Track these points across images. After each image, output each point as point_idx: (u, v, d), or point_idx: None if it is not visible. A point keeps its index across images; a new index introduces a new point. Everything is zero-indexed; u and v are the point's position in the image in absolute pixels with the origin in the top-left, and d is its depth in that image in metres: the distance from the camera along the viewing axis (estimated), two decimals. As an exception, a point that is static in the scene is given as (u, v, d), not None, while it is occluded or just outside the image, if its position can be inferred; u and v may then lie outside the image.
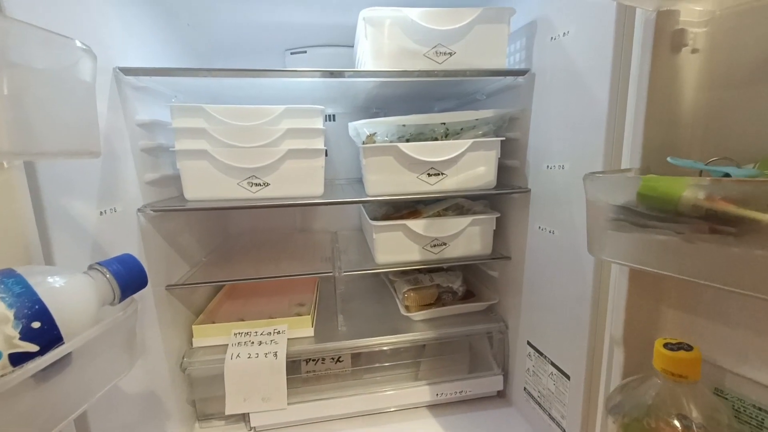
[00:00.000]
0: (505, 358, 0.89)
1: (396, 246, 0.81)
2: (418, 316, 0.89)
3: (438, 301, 0.93)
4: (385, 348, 0.85)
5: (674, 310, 0.49)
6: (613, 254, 0.42)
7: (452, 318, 0.91)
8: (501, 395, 0.91)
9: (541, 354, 0.76)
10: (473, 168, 0.77)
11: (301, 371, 0.88)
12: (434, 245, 0.82)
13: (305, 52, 1.04)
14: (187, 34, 0.95)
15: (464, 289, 0.94)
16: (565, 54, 0.63)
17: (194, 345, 0.82)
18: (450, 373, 0.92)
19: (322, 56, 1.03)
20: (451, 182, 0.77)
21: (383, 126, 0.76)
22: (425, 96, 1.01)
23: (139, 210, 0.67)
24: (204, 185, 0.73)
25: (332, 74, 0.70)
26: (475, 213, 0.85)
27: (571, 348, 0.67)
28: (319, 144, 0.76)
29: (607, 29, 0.54)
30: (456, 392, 0.88)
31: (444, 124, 0.76)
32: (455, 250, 0.83)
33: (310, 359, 0.87)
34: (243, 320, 0.87)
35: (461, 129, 0.78)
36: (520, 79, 0.76)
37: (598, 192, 0.43)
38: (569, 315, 0.67)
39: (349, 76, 0.70)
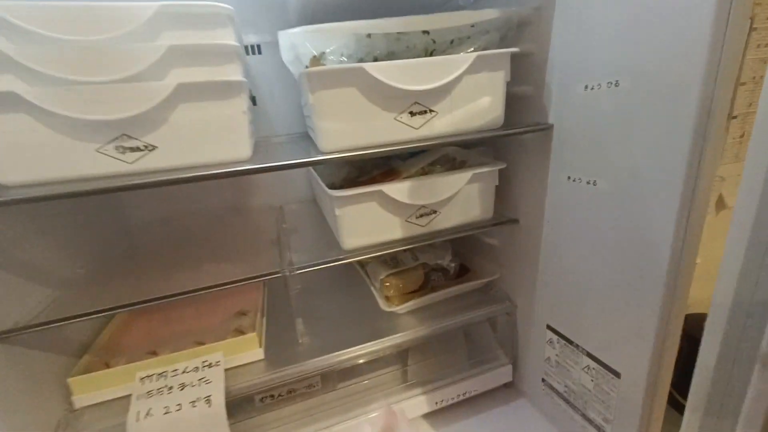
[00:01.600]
0: (514, 344, 0.72)
1: (369, 223, 0.56)
2: (403, 308, 0.68)
3: (425, 285, 0.72)
4: (363, 361, 0.63)
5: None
6: None
7: (445, 303, 0.71)
8: (508, 385, 0.75)
9: (570, 342, 0.59)
10: (474, 99, 0.52)
11: (254, 405, 0.64)
12: (421, 215, 0.58)
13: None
14: None
15: (457, 265, 0.74)
16: None
17: (76, 406, 0.54)
18: (446, 367, 0.73)
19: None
20: (443, 123, 0.52)
21: (336, 38, 0.47)
22: (391, 4, 0.72)
23: None
24: (30, 159, 0.41)
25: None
26: (471, 166, 0.62)
27: (626, 339, 0.49)
28: (235, 73, 0.46)
29: None
30: (458, 395, 0.70)
31: (428, 33, 0.50)
32: (448, 219, 0.61)
33: (263, 395, 0.63)
34: (155, 354, 0.59)
35: (451, 41, 0.52)
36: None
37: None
38: (622, 295, 0.48)
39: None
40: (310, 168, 0.70)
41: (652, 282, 0.44)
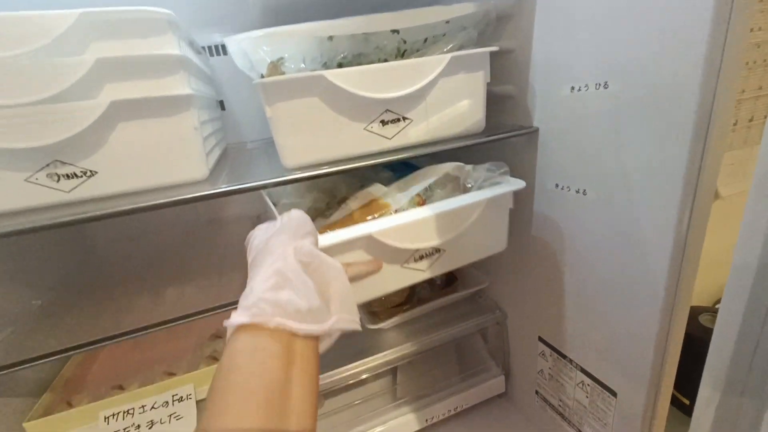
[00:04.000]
0: (506, 354, 0.69)
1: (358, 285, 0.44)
2: (389, 323, 0.64)
3: (412, 297, 0.68)
4: (352, 381, 0.60)
5: None
6: None
7: (433, 314, 0.68)
8: (501, 396, 0.72)
9: (563, 356, 0.56)
10: (451, 104, 0.48)
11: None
12: (421, 257, 0.47)
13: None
14: None
15: (443, 275, 0.70)
16: None
17: (34, 453, 0.50)
18: (436, 382, 0.70)
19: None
20: (419, 131, 0.47)
21: (294, 42, 0.42)
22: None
23: None
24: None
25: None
26: (479, 186, 0.50)
27: (622, 357, 0.46)
28: (180, 85, 0.41)
29: None
30: (449, 410, 0.67)
31: (397, 32, 0.45)
32: (456, 257, 0.49)
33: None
34: (122, 389, 0.55)
35: (425, 40, 0.47)
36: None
37: None
38: (616, 310, 0.45)
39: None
40: (263, 194, 0.56)
41: (650, 296, 0.41)
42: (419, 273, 0.48)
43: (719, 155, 0.35)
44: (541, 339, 0.60)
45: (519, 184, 0.48)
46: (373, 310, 0.66)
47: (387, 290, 0.48)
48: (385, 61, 0.45)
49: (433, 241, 0.46)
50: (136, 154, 0.41)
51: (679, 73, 0.33)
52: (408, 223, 0.44)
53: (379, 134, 0.46)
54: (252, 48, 0.41)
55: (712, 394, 0.36)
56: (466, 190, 0.51)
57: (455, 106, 0.48)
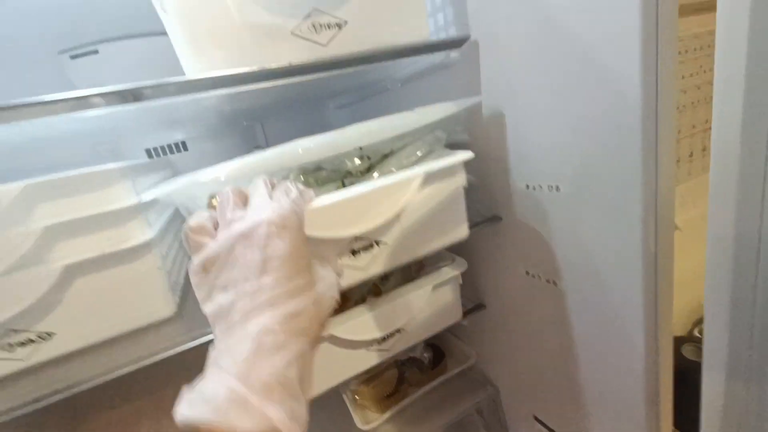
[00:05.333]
0: (504, 429, 0.67)
1: (321, 370, 0.45)
2: (383, 419, 0.61)
3: (401, 382, 0.66)
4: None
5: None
6: None
7: (424, 397, 0.66)
8: (505, 469, 0.70)
9: (560, 436, 0.55)
10: (430, 221, 0.44)
11: None
12: (383, 339, 0.50)
13: (96, 52, 0.62)
14: None
15: (431, 353, 0.69)
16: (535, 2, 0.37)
17: None
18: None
19: (128, 54, 0.63)
20: (393, 255, 0.43)
21: (235, 176, 0.40)
22: (313, 96, 0.68)
23: None
24: None
25: (118, 97, 0.34)
26: (425, 267, 0.56)
27: (615, 421, 0.45)
28: (139, 230, 0.40)
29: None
30: (455, 499, 0.64)
31: (361, 149, 0.45)
32: (415, 332, 0.53)
33: None
34: None
35: (390, 151, 0.48)
36: (453, 53, 0.48)
37: None
38: (610, 402, 0.45)
39: (152, 97, 0.35)
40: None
41: (635, 394, 0.41)
42: (384, 353, 0.49)
43: (670, 241, 0.36)
44: (536, 419, 0.59)
45: (461, 266, 0.51)
46: (363, 403, 0.63)
47: (352, 373, 0.48)
48: (346, 178, 0.45)
49: (390, 328, 0.47)
50: (95, 307, 0.39)
51: (624, 177, 0.35)
52: (364, 317, 0.45)
53: (353, 266, 0.42)
54: (181, 199, 0.36)
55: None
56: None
57: (436, 219, 0.44)
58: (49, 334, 0.38)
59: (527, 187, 0.45)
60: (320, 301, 0.26)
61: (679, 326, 0.85)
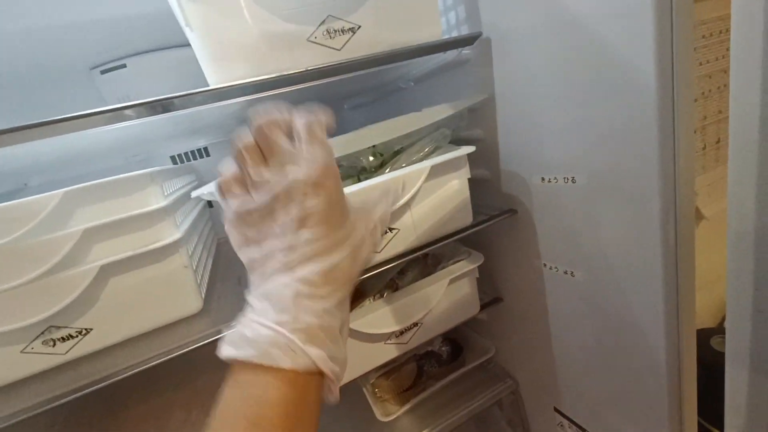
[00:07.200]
0: (525, 423, 0.67)
1: None
2: (402, 411, 0.63)
3: (420, 376, 0.67)
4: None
5: None
6: None
7: (444, 390, 0.66)
8: (526, 463, 0.70)
9: (582, 429, 0.55)
10: (438, 209, 0.48)
11: None
12: (401, 333, 0.52)
13: (124, 66, 0.65)
14: None
15: (449, 347, 0.69)
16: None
17: None
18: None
19: (157, 67, 0.66)
20: (409, 239, 0.47)
21: None
22: (328, 97, 0.70)
23: None
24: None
25: (149, 110, 0.36)
26: (446, 262, 0.56)
27: (636, 414, 0.45)
28: (168, 231, 0.42)
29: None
30: (476, 492, 0.64)
31: (374, 147, 0.47)
32: (433, 326, 0.55)
33: None
34: None
35: (400, 148, 0.49)
36: (466, 51, 0.48)
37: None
38: (632, 394, 0.45)
39: (180, 107, 0.37)
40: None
41: (657, 388, 0.40)
42: (402, 346, 0.52)
43: (691, 233, 0.36)
44: (557, 410, 0.59)
45: (477, 260, 0.53)
46: (382, 397, 0.65)
47: (372, 364, 0.51)
48: (361, 173, 0.47)
49: (406, 322, 0.50)
50: (128, 304, 0.41)
51: (639, 170, 0.35)
52: (381, 310, 0.48)
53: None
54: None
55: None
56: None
57: (442, 210, 0.48)
58: (87, 330, 0.41)
59: (543, 179, 0.45)
60: (356, 252, 0.26)
61: (708, 318, 0.83)
